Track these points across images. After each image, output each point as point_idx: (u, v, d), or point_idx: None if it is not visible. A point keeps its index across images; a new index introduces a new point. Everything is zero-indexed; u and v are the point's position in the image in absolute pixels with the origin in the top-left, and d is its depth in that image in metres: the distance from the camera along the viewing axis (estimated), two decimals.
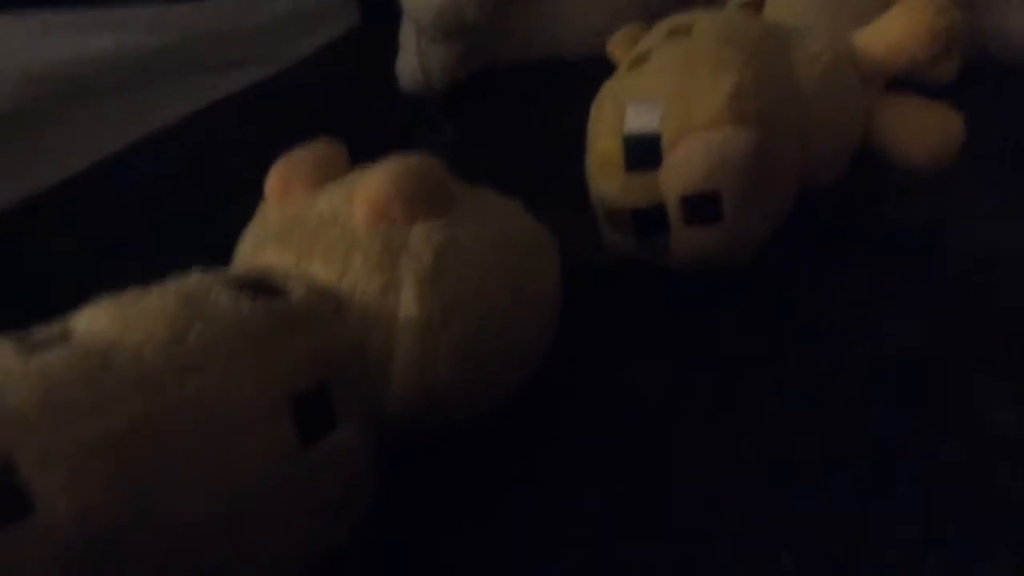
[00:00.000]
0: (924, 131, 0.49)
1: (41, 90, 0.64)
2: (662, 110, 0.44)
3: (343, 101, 0.70)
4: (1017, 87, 0.63)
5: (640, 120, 0.45)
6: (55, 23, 0.70)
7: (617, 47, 0.52)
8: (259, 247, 0.39)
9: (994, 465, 0.38)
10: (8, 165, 0.62)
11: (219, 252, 0.40)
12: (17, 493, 0.28)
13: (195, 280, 0.35)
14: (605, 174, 0.46)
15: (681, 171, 0.44)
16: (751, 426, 0.41)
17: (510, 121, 0.66)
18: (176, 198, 0.60)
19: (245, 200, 0.41)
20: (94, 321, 0.33)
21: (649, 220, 0.45)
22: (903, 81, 0.51)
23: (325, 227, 0.38)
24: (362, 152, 0.41)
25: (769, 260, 0.48)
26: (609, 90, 0.48)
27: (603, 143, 0.46)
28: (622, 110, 0.45)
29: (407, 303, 0.36)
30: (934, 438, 0.40)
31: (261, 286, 0.36)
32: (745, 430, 0.41)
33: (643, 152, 0.45)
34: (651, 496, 0.38)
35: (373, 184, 0.38)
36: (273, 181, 0.40)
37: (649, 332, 0.46)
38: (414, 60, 0.68)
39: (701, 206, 0.44)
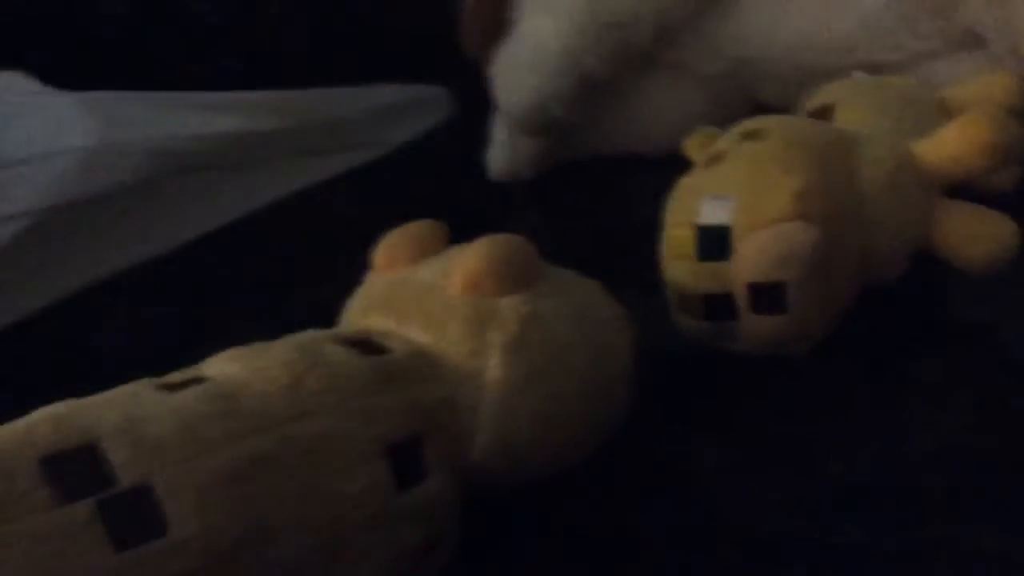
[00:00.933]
0: (979, 236, 0.51)
1: (164, 164, 0.70)
2: (734, 205, 0.48)
3: (438, 185, 0.75)
4: None
5: (714, 213, 0.48)
6: (181, 102, 0.77)
7: (693, 146, 0.56)
8: (365, 310, 0.43)
9: None
10: (129, 232, 0.68)
11: (324, 315, 0.44)
12: (153, 514, 0.32)
13: (311, 336, 0.40)
14: (679, 261, 0.50)
15: (750, 261, 0.47)
16: (801, 511, 0.42)
17: (590, 210, 0.70)
18: (285, 266, 0.65)
19: (348, 270, 0.46)
20: (225, 366, 0.37)
21: (719, 306, 0.48)
22: (963, 187, 0.54)
23: (425, 295, 0.42)
24: (453, 233, 0.45)
25: (832, 349, 0.50)
26: (686, 185, 0.51)
27: (678, 232, 0.50)
28: (697, 203, 0.49)
29: (493, 367, 0.40)
30: (984, 528, 0.41)
31: (368, 344, 0.40)
32: (795, 515, 0.42)
33: (715, 243, 0.48)
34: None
35: (469, 259, 0.42)
36: (381, 253, 0.45)
37: (712, 413, 0.49)
38: (504, 151, 0.73)
39: (767, 296, 0.47)
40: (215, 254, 0.68)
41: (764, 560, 0.40)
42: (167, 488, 0.33)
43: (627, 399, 0.45)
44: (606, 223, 0.67)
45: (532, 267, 0.43)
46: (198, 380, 0.37)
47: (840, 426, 0.48)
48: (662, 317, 0.52)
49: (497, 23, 0.76)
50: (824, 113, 0.57)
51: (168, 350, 0.40)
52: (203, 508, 0.33)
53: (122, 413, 0.34)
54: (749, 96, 0.74)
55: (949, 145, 0.51)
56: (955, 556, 0.40)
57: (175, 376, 0.37)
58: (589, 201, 0.72)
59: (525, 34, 0.73)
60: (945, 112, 0.60)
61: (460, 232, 0.45)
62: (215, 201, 0.72)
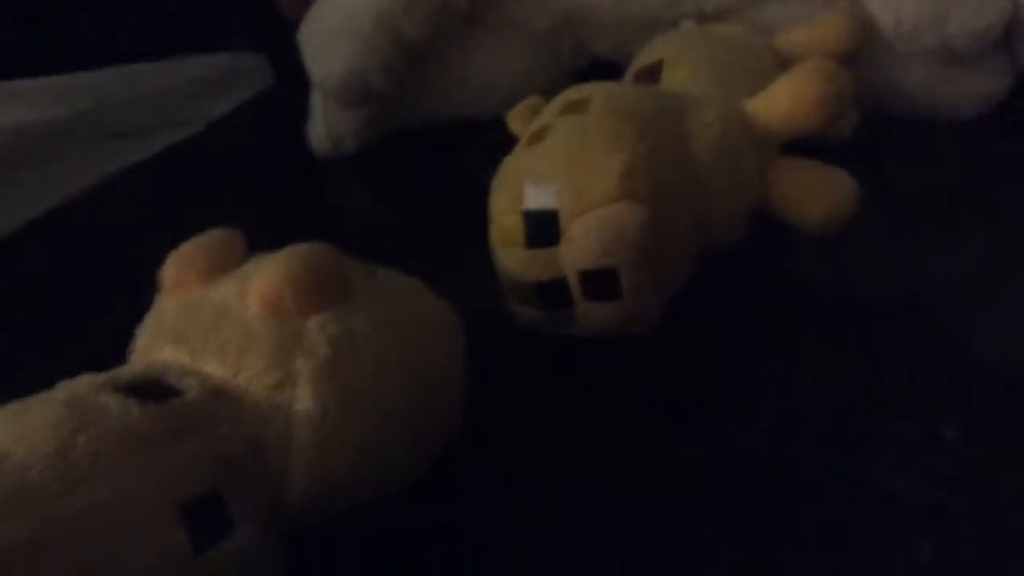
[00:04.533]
0: (817, 194, 0.49)
1: None
2: (559, 187, 0.45)
3: (256, 164, 0.70)
4: (914, 137, 0.65)
5: (538, 198, 0.45)
6: None
7: (516, 120, 0.53)
8: (155, 342, 0.39)
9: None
10: None
11: (118, 342, 0.40)
12: None
13: (84, 385, 0.35)
14: (507, 249, 0.47)
15: (578, 248, 0.44)
16: (651, 505, 0.41)
17: (422, 184, 0.66)
18: (78, 280, 0.59)
19: (151, 282, 0.41)
20: None
21: (552, 293, 0.46)
22: (801, 140, 0.52)
23: (219, 321, 0.38)
24: (274, 218, 0.41)
25: (675, 322, 0.48)
26: (508, 167, 0.48)
27: (504, 219, 0.47)
28: (521, 187, 0.46)
29: (303, 397, 0.36)
30: (837, 497, 0.41)
31: (154, 387, 0.36)
32: (645, 507, 0.41)
33: (542, 229, 0.45)
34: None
35: (266, 278, 0.38)
36: (169, 270, 0.40)
37: (553, 403, 0.47)
38: (324, 124, 0.68)
39: (599, 282, 0.45)
40: (12, 254, 0.62)
41: (613, 557, 0.39)
42: None
43: (459, 403, 0.42)
44: (437, 199, 0.63)
45: (339, 280, 0.39)
46: None
47: (686, 407, 0.46)
48: (498, 302, 0.49)
49: None
50: (652, 72, 0.55)
51: None
52: None
53: None
54: (583, 50, 0.71)
55: (780, 103, 0.49)
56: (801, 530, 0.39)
57: None
58: (419, 175, 0.67)
59: None
60: (778, 60, 0.59)
61: (282, 217, 0.40)
62: (10, 199, 0.65)
